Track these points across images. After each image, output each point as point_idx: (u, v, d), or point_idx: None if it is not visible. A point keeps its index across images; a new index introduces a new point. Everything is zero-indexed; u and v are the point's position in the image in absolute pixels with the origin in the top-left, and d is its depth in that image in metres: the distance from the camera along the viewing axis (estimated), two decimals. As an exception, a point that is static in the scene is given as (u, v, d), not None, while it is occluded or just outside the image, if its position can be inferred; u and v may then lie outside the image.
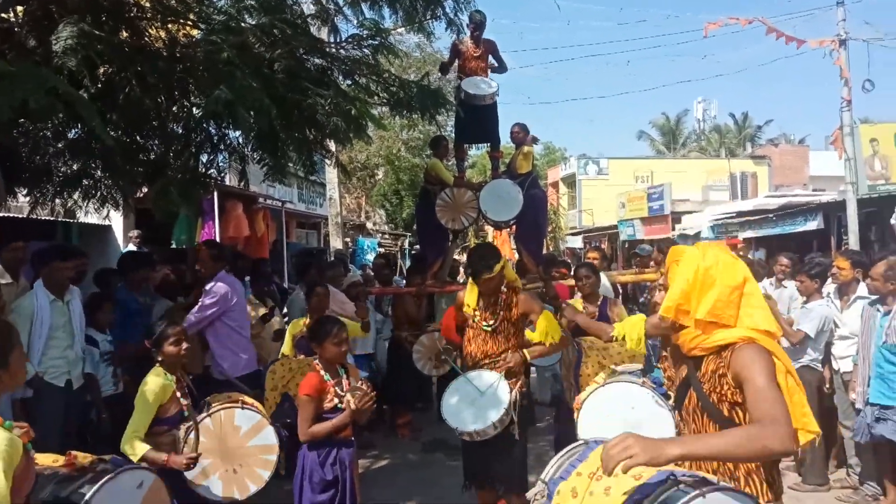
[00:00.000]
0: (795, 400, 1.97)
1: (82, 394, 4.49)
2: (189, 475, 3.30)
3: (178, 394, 3.44)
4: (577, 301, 5.39)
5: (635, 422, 3.37)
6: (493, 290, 3.84)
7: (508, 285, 3.91)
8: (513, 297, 3.90)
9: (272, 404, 4.64)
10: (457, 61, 7.12)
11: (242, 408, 3.55)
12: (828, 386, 5.19)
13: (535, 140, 7.30)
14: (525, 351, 3.87)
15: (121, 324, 4.97)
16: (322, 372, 3.50)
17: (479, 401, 3.72)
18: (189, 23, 4.97)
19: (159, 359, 3.48)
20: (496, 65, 7.15)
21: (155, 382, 3.34)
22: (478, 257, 3.85)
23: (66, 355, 4.33)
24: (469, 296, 3.95)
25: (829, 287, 5.36)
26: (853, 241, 11.92)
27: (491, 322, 3.85)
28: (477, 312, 3.89)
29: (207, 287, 4.96)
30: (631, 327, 3.18)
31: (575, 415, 3.73)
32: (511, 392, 3.71)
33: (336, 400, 3.45)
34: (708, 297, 2.02)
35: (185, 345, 3.52)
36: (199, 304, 4.91)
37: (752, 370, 1.89)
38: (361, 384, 3.54)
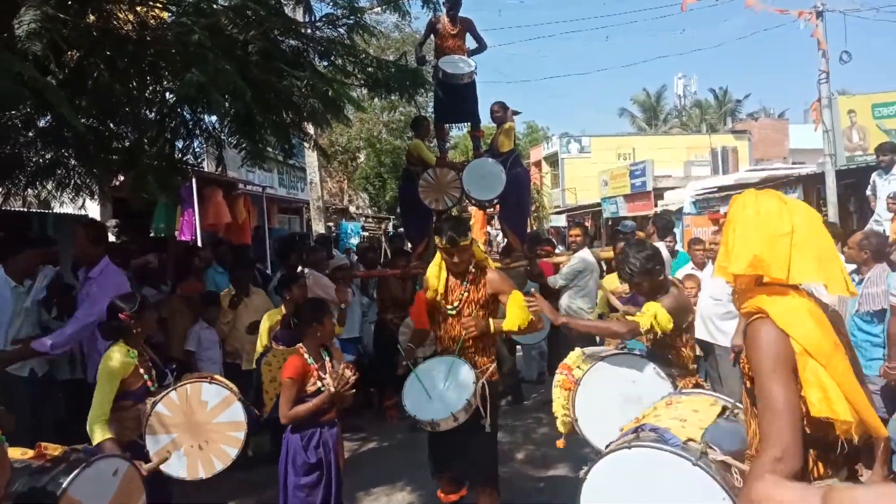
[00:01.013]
0: (823, 383, 1.63)
1: (50, 381, 4.44)
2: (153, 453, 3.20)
3: (142, 369, 3.36)
4: (612, 277, 5.26)
5: (636, 397, 3.31)
6: (464, 265, 3.69)
7: (477, 264, 3.79)
8: (480, 277, 3.75)
9: (272, 396, 4.48)
10: (434, 39, 7.02)
11: (210, 382, 3.43)
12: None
13: (515, 113, 7.24)
14: (492, 321, 3.70)
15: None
16: (306, 356, 3.50)
17: (441, 389, 3.56)
18: (159, 5, 4.84)
19: (134, 330, 3.41)
20: (476, 44, 7.06)
21: (117, 357, 3.25)
22: (452, 224, 3.70)
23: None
24: (434, 279, 3.79)
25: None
26: (832, 213, 12.06)
27: (455, 304, 3.72)
28: (443, 297, 3.76)
29: (93, 274, 4.25)
30: (658, 318, 3.18)
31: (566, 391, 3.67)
32: (476, 381, 3.51)
33: (319, 383, 3.45)
34: (744, 249, 1.76)
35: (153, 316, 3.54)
36: (85, 298, 4.19)
37: (753, 357, 1.70)
38: (344, 367, 3.51)
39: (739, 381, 5.75)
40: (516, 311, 3.61)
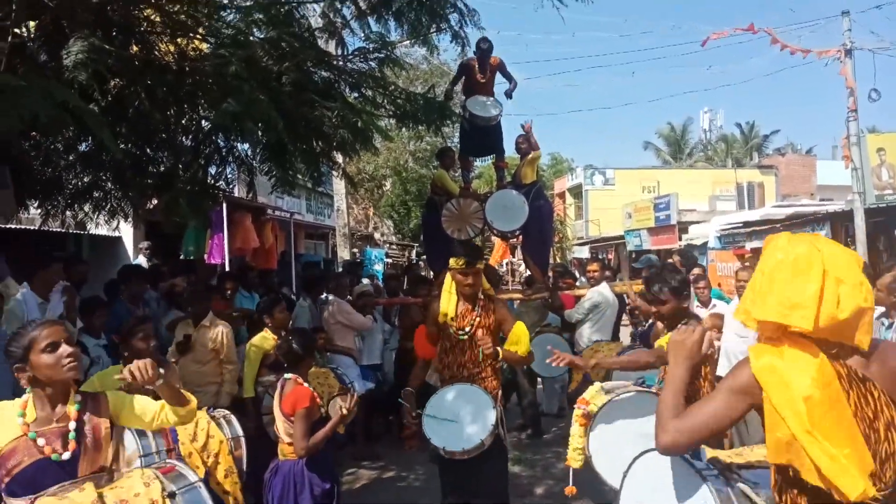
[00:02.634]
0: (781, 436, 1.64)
1: None
2: None
3: None
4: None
5: (652, 434, 3.29)
6: (476, 288, 3.77)
7: (485, 292, 3.87)
8: (490, 304, 3.84)
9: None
10: (465, 78, 7.10)
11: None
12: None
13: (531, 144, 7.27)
14: (498, 349, 3.75)
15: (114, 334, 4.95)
16: (306, 384, 3.51)
17: (462, 418, 3.60)
18: (198, 37, 5.04)
19: (125, 353, 3.49)
20: (507, 83, 7.12)
21: (106, 376, 3.30)
22: (469, 248, 3.84)
23: None
24: (445, 304, 3.84)
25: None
26: (861, 252, 11.86)
27: (467, 329, 3.76)
28: (453, 322, 3.80)
29: None
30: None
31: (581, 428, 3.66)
32: (495, 406, 3.61)
33: (322, 409, 3.48)
34: (770, 296, 1.72)
35: (153, 342, 3.56)
36: None
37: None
38: (341, 388, 3.56)
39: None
40: (520, 339, 3.73)
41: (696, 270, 6.48)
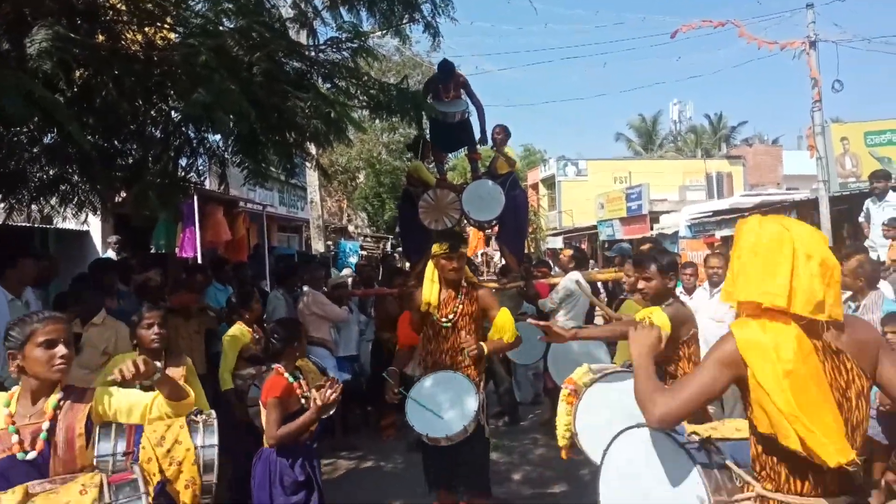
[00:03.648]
0: (770, 408, 1.73)
1: None
2: None
3: (136, 383, 3.38)
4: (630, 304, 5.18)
5: (638, 413, 3.33)
6: (459, 273, 3.81)
7: (468, 280, 3.92)
8: (473, 291, 3.89)
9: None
10: (430, 95, 7.06)
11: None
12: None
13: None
14: (483, 344, 3.82)
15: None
16: (286, 374, 3.50)
17: (445, 404, 3.66)
18: (166, 26, 4.95)
19: (133, 342, 3.51)
20: (473, 103, 7.09)
21: (114, 362, 3.32)
22: (450, 234, 3.90)
23: None
24: (428, 293, 3.87)
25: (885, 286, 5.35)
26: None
27: (450, 317, 3.80)
28: (437, 310, 3.84)
29: None
30: (655, 317, 3.21)
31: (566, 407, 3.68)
32: (477, 392, 3.67)
33: (302, 400, 3.45)
34: (747, 276, 1.83)
35: (157, 329, 3.51)
36: None
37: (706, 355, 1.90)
38: (329, 381, 3.53)
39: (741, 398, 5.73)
40: (506, 326, 3.84)
41: (684, 257, 6.59)
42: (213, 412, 3.49)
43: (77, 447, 2.21)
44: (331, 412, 3.53)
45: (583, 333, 4.18)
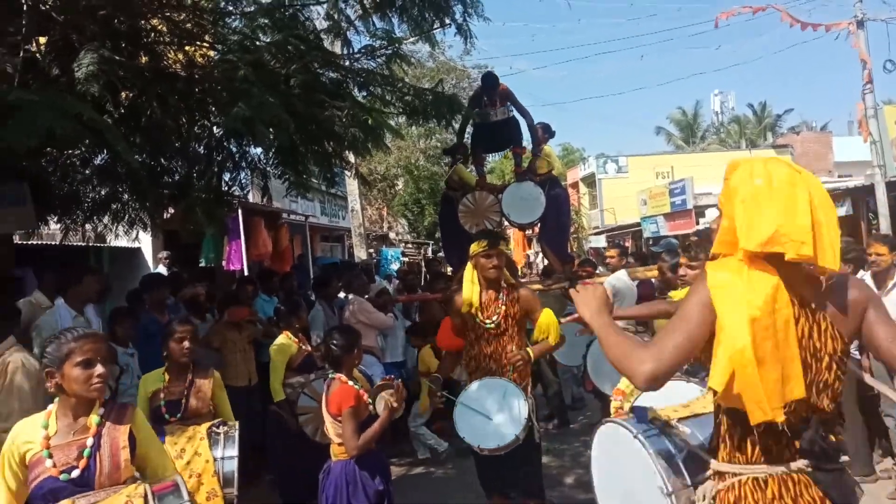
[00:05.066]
0: (721, 352, 1.60)
1: None
2: None
3: (162, 394, 3.48)
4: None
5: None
6: (499, 272, 3.73)
7: (507, 282, 3.83)
8: (514, 292, 3.79)
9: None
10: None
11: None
12: (869, 373, 5.06)
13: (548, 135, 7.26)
14: (529, 350, 3.73)
15: (143, 345, 4.94)
16: (350, 382, 3.45)
17: (495, 413, 3.56)
18: (205, 44, 5.07)
19: (164, 354, 3.57)
20: (521, 113, 7.01)
21: (146, 379, 3.43)
22: (488, 232, 3.87)
23: None
24: (469, 294, 3.78)
25: (865, 275, 5.23)
26: (884, 225, 11.67)
27: (494, 318, 3.71)
28: (479, 312, 3.75)
29: None
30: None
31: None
32: (526, 399, 3.57)
33: (371, 406, 3.41)
34: (760, 223, 1.64)
35: (187, 344, 3.55)
36: None
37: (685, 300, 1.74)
38: (396, 383, 3.50)
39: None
40: (550, 327, 3.73)
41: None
42: (236, 423, 3.50)
43: (122, 460, 2.24)
44: (396, 416, 3.51)
45: (619, 312, 4.06)
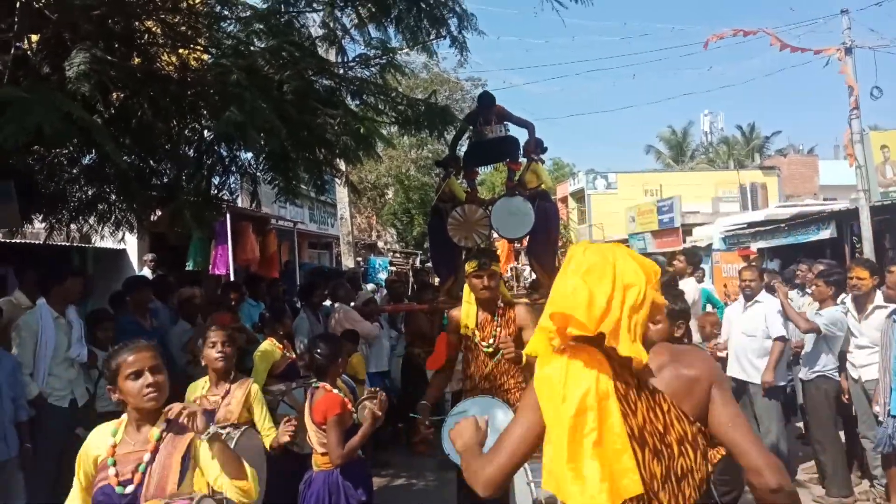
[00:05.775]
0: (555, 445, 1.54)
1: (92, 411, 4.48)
2: None
3: (197, 402, 3.44)
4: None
5: None
6: (494, 292, 3.70)
7: (503, 300, 3.81)
8: (509, 312, 3.77)
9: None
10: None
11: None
12: (846, 396, 5.11)
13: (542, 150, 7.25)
14: (524, 352, 3.62)
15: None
16: (335, 391, 3.43)
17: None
18: (199, 48, 5.06)
19: (189, 359, 3.68)
20: (520, 126, 7.01)
21: (193, 386, 3.50)
22: (482, 252, 3.81)
23: (69, 374, 4.39)
24: (466, 316, 3.77)
25: (846, 298, 5.28)
26: (867, 250, 11.80)
27: (490, 342, 3.69)
28: (476, 332, 3.73)
29: None
30: None
31: None
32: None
33: (355, 415, 3.39)
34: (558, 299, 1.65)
35: (220, 348, 3.50)
36: None
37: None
38: (368, 391, 3.49)
39: (776, 419, 5.55)
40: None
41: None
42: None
43: (169, 483, 2.20)
44: (378, 425, 3.49)
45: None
